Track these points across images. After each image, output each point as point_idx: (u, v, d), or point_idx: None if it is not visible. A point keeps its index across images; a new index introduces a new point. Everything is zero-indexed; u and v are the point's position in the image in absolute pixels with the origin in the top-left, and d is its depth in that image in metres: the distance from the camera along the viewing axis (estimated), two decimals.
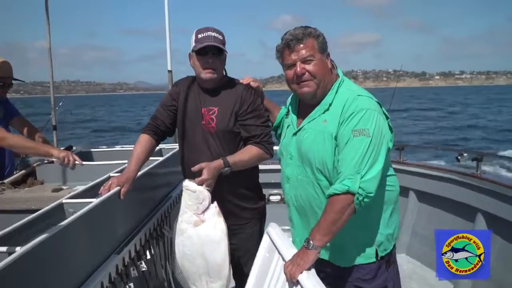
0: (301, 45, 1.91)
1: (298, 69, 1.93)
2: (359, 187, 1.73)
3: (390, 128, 1.94)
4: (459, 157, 3.83)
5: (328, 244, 1.97)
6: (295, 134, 2.04)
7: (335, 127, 1.87)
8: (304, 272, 1.72)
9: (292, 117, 2.12)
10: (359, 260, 1.97)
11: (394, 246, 2.06)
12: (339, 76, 2.01)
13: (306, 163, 1.97)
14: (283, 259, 1.98)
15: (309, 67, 1.92)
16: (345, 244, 1.96)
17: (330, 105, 1.93)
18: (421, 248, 4.12)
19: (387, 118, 1.93)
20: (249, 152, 2.32)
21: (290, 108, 2.16)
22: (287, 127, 2.15)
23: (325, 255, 2.05)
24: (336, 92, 1.95)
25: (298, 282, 1.73)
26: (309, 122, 1.98)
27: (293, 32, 1.92)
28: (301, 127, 2.01)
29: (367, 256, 1.96)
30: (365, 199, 1.74)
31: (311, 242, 1.76)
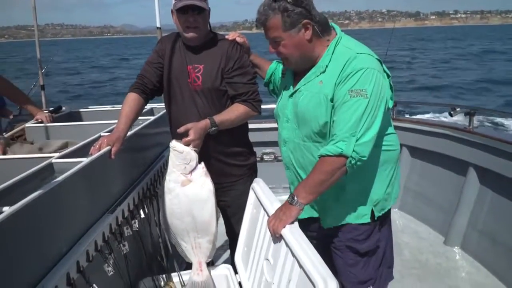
0: (266, 28, 1.83)
1: (269, 49, 1.89)
2: (353, 150, 1.69)
3: (391, 87, 1.87)
4: (452, 112, 3.83)
5: (321, 202, 1.97)
6: (291, 96, 1.98)
7: (331, 88, 1.79)
8: (287, 227, 1.73)
9: (288, 78, 2.05)
10: (353, 220, 1.96)
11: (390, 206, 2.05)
12: (337, 34, 1.91)
13: (302, 125, 1.91)
14: (268, 215, 1.99)
15: (279, 48, 1.85)
16: (338, 203, 1.95)
17: (326, 66, 1.84)
18: (413, 202, 4.18)
19: (388, 76, 1.85)
20: (236, 110, 2.29)
21: (287, 68, 2.08)
22: (284, 87, 2.08)
23: (316, 214, 2.06)
24: (333, 52, 1.85)
25: (281, 237, 1.74)
26: (305, 84, 1.91)
27: (259, 10, 1.83)
28: (297, 89, 1.95)
29: (361, 216, 1.95)
30: (358, 163, 1.71)
31: (295, 198, 1.76)
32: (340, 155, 1.70)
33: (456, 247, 3.60)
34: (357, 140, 1.69)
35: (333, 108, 1.79)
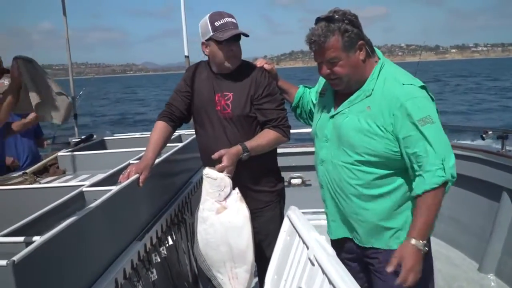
0: (323, 49, 1.82)
1: (322, 70, 1.89)
2: (451, 174, 1.72)
3: (437, 111, 1.86)
4: (484, 135, 3.73)
5: (361, 226, 1.96)
6: (332, 117, 1.97)
7: (381, 116, 1.80)
8: (324, 254, 1.70)
9: (329, 98, 2.04)
10: (394, 245, 1.91)
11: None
12: (379, 59, 1.92)
13: (346, 147, 1.89)
14: (303, 242, 1.97)
15: (335, 68, 1.85)
16: (378, 227, 1.92)
17: (372, 90, 1.85)
18: (445, 228, 4.05)
19: (433, 100, 1.85)
20: (266, 136, 2.30)
21: (327, 87, 2.07)
22: (323, 107, 2.07)
23: (356, 236, 2.01)
24: (378, 77, 1.86)
25: (318, 264, 1.71)
26: (349, 107, 1.90)
27: (314, 32, 1.82)
28: (340, 111, 1.93)
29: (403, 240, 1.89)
30: (450, 183, 1.74)
31: (421, 242, 1.74)
32: (443, 183, 1.72)
33: (491, 274, 3.45)
34: (448, 163, 1.72)
35: (397, 140, 1.80)
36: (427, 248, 1.74)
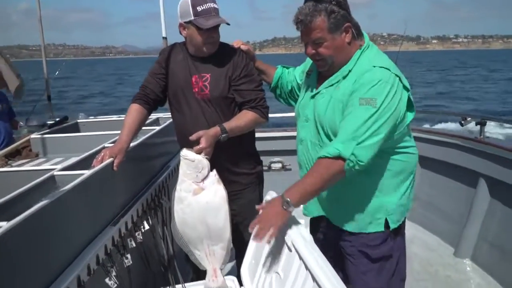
0: (309, 29, 1.81)
1: (308, 51, 1.88)
2: (352, 153, 1.67)
3: (411, 101, 1.84)
4: (462, 122, 3.77)
5: (335, 207, 1.98)
6: (313, 97, 1.99)
7: (346, 96, 1.80)
8: (301, 239, 1.69)
9: (313, 79, 2.05)
10: (367, 228, 1.94)
11: (405, 218, 2.03)
12: (364, 42, 1.91)
13: (320, 127, 1.92)
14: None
15: (320, 49, 1.84)
16: (352, 210, 1.93)
17: (349, 71, 1.85)
18: (423, 213, 4.11)
19: (407, 90, 1.82)
20: (245, 117, 2.28)
21: (313, 69, 2.08)
22: (307, 87, 2.08)
23: (330, 216, 2.04)
24: (358, 59, 1.86)
25: (295, 250, 1.70)
26: (327, 87, 1.92)
27: (302, 11, 1.81)
28: (319, 91, 1.95)
29: (376, 225, 1.93)
30: (356, 167, 1.68)
31: (290, 202, 1.69)
32: (338, 157, 1.68)
33: (466, 259, 3.52)
34: (357, 144, 1.67)
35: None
36: (291, 210, 1.70)
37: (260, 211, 1.78)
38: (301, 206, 2.18)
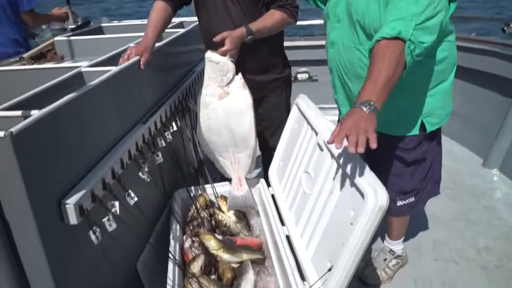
0: None
1: None
2: (412, 34, 1.46)
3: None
4: (505, 28, 3.52)
5: None
6: None
7: None
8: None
9: None
10: (402, 131, 1.88)
11: (442, 123, 1.97)
12: None
13: (357, 26, 1.75)
14: (312, 129, 1.93)
15: None
16: (387, 112, 1.82)
17: None
18: (450, 123, 4.01)
19: None
20: (272, 17, 2.15)
21: None
22: None
23: None
24: None
25: (328, 149, 1.68)
26: None
27: None
28: None
29: (411, 128, 1.86)
30: (417, 50, 1.49)
31: (372, 103, 1.40)
32: (397, 37, 1.45)
33: (494, 169, 3.49)
34: (416, 24, 1.48)
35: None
36: (377, 111, 1.41)
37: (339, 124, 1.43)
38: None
